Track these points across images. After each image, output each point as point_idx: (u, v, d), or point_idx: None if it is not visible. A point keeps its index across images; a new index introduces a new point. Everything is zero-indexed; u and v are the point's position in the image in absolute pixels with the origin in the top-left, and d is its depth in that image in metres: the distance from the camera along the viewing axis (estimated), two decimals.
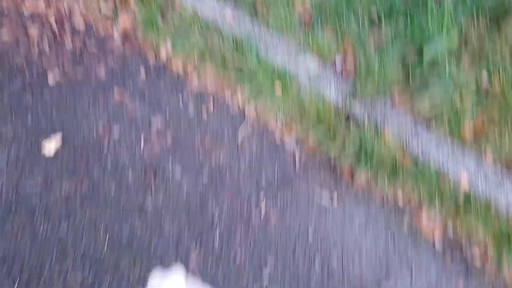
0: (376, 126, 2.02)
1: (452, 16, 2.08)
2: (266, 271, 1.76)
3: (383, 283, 1.77)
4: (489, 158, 1.93)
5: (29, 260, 1.68)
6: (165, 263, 1.73)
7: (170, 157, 2.00)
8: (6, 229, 1.73)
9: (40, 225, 1.76)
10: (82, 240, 1.74)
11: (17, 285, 1.63)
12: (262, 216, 1.90)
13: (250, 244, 1.82)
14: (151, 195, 1.89)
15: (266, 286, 1.72)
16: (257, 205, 1.93)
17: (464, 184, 1.85)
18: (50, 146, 1.94)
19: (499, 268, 1.75)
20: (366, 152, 1.96)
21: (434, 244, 1.84)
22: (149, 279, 1.15)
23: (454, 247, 1.82)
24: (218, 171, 2.00)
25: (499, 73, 2.02)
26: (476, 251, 1.78)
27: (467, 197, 1.83)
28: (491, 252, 1.75)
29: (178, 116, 2.08)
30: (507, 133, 1.94)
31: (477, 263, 1.78)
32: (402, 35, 2.12)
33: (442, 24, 2.07)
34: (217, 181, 1.97)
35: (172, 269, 1.17)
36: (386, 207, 1.94)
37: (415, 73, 2.06)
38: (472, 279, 1.77)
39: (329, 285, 1.75)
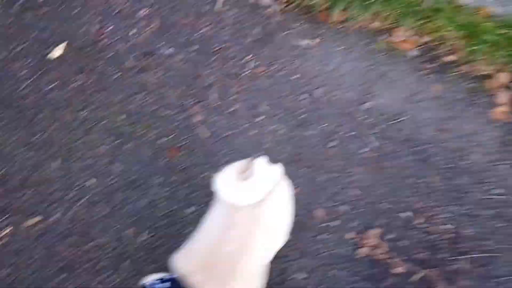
0: None
1: None
2: (260, 111, 1.99)
3: (366, 101, 1.95)
4: None
5: (61, 144, 2.02)
6: (169, 125, 2.01)
7: (161, 39, 2.22)
8: (37, 121, 2.06)
9: (64, 115, 2.08)
10: (101, 118, 2.05)
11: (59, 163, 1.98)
12: (250, 71, 2.10)
13: (243, 94, 2.05)
14: (152, 72, 2.14)
15: (261, 122, 1.96)
16: (245, 62, 2.13)
17: None
18: (57, 53, 2.23)
19: (469, 59, 1.87)
20: None
21: (409, 54, 1.97)
22: (254, 166, 1.31)
23: (428, 51, 1.95)
24: (206, 42, 2.20)
25: None
26: (448, 47, 1.90)
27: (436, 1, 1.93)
28: (461, 45, 1.86)
29: (162, 3, 2.27)
30: None
31: (449, 58, 1.90)
32: None
33: None
34: (206, 50, 2.18)
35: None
36: (363, 35, 2.07)
37: None
38: (447, 76, 1.91)
39: (317, 111, 1.96)
